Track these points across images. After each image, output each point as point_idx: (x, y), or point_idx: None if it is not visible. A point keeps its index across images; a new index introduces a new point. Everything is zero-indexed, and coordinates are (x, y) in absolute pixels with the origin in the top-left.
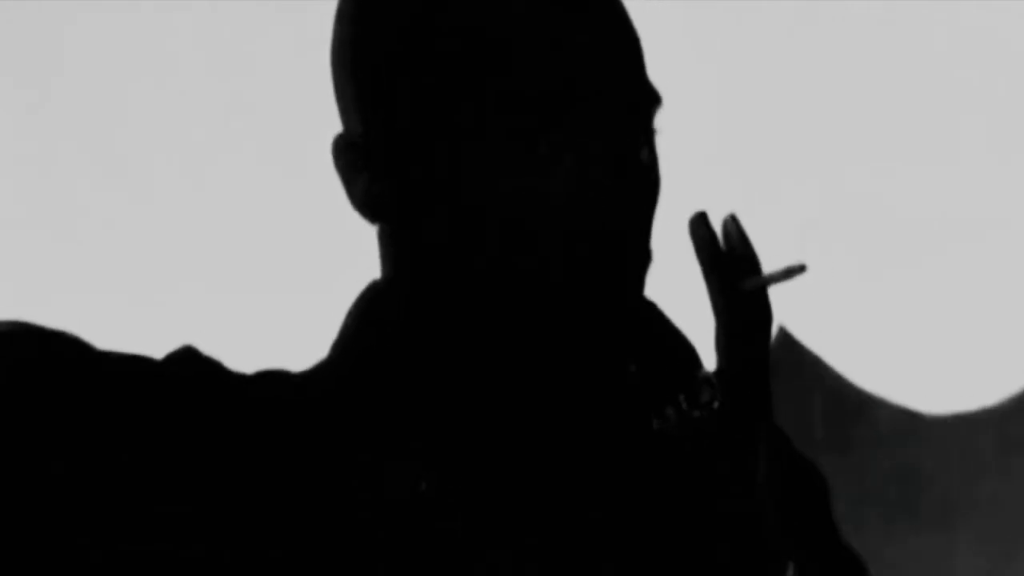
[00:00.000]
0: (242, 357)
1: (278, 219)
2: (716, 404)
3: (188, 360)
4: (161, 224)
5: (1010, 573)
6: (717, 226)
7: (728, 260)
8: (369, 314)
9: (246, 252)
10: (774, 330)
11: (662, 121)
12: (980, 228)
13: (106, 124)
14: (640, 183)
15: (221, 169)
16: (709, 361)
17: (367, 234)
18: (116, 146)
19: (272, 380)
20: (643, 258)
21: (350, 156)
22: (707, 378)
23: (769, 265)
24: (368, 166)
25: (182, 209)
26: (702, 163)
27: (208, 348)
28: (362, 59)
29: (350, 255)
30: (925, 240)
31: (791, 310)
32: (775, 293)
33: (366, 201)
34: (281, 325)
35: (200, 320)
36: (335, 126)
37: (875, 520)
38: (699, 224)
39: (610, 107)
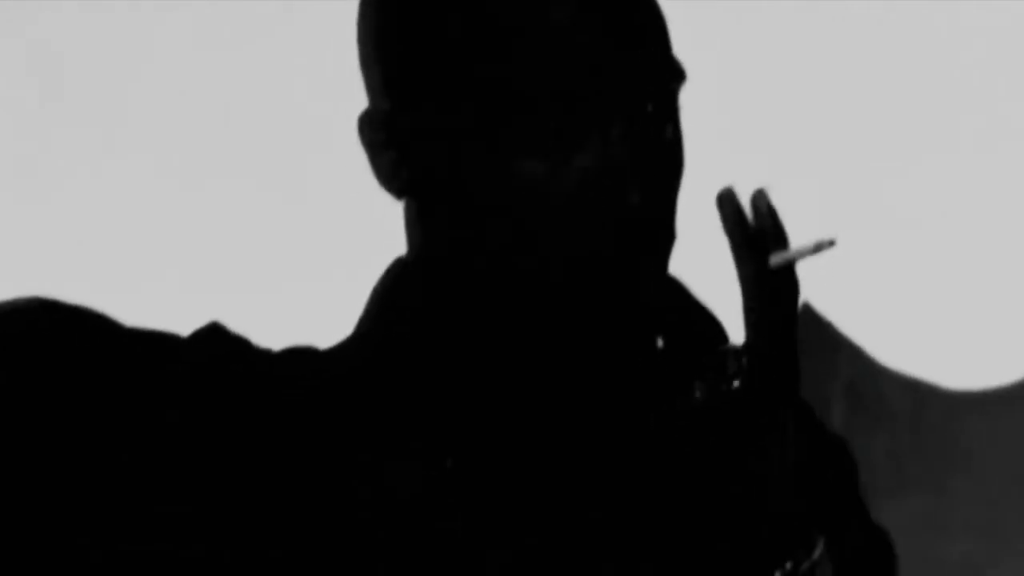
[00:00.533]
0: (268, 336)
1: (283, 211)
2: (743, 377)
3: (214, 337)
4: (162, 220)
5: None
6: (745, 202)
7: (756, 235)
8: (392, 294)
9: (263, 241)
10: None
11: (686, 97)
12: (1005, 206)
13: (105, 121)
14: (663, 162)
15: (223, 164)
16: (736, 337)
17: (385, 218)
18: (116, 142)
19: (298, 359)
20: (668, 236)
21: (376, 133)
22: (734, 351)
23: (797, 240)
24: (394, 144)
25: (183, 206)
26: (712, 150)
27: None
28: (389, 39)
29: (367, 241)
30: (950, 217)
31: (816, 286)
32: (801, 268)
33: (393, 179)
34: (295, 316)
35: (212, 312)
36: (339, 120)
37: (897, 494)
38: (727, 198)
39: (631, 86)
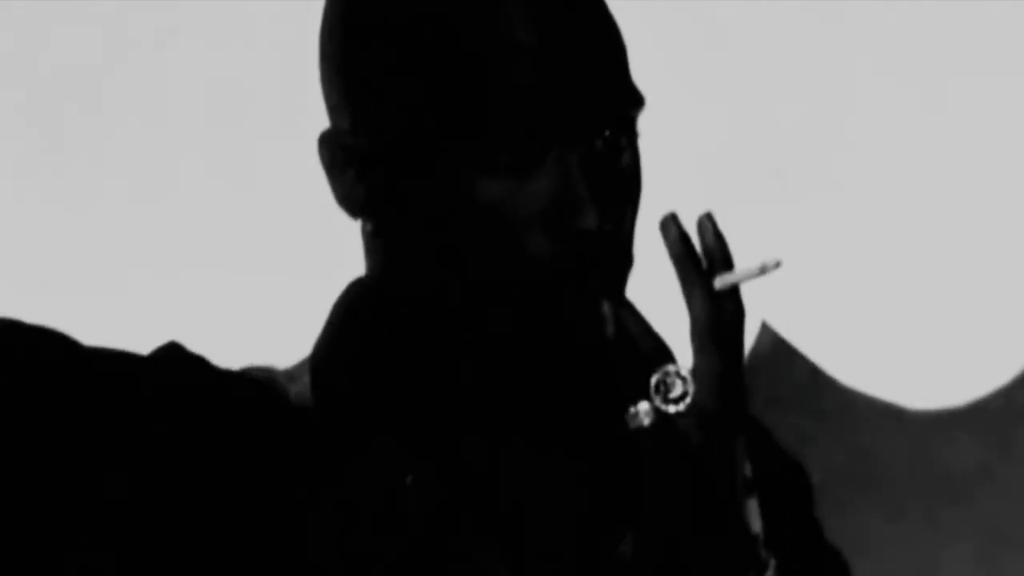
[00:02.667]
0: (228, 350)
1: (262, 212)
2: (689, 399)
3: (173, 357)
4: (150, 217)
5: (996, 572)
6: (691, 226)
7: (701, 258)
8: (353, 313)
9: (232, 244)
10: (757, 326)
11: (644, 123)
12: (969, 222)
13: (97, 118)
14: (621, 187)
15: (206, 166)
16: (685, 360)
17: (351, 230)
18: (103, 141)
19: (257, 378)
20: (624, 261)
21: (336, 152)
22: (679, 373)
23: (744, 262)
24: (353, 163)
25: (172, 205)
26: (678, 162)
27: (192, 340)
28: (350, 59)
29: (334, 249)
30: (911, 235)
31: (775, 306)
32: (758, 288)
33: (350, 198)
34: (266, 316)
35: (187, 310)
36: (317, 123)
37: (858, 516)
38: (670, 224)
39: (591, 111)
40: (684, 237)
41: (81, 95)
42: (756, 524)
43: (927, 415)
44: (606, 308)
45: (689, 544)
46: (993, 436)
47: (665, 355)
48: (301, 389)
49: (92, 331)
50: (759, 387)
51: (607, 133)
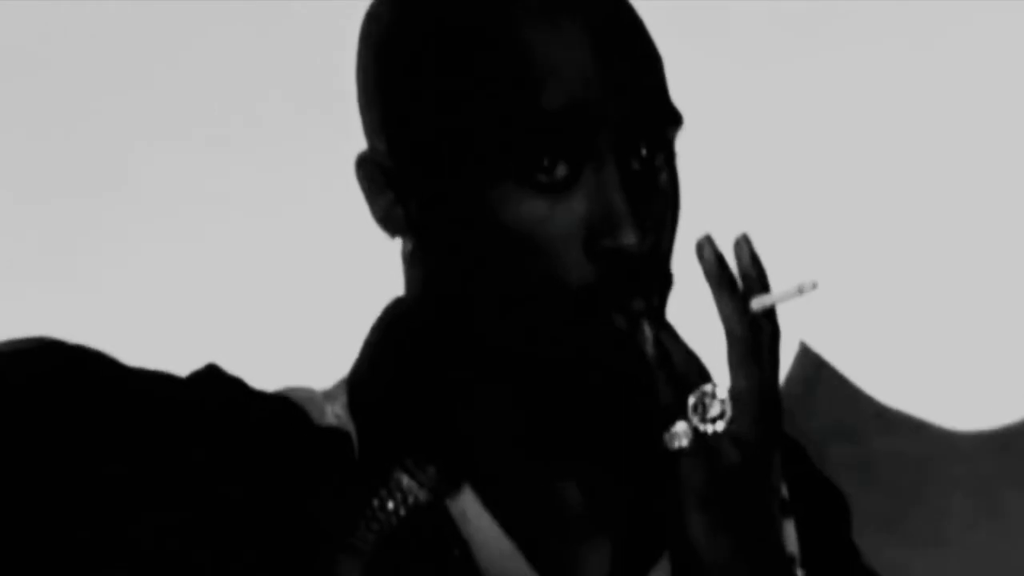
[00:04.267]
0: (267, 371)
1: (288, 230)
2: (726, 419)
3: (211, 379)
4: (169, 235)
5: None
6: (727, 246)
7: (738, 280)
8: (391, 333)
9: (261, 262)
10: (795, 346)
11: (683, 142)
12: (1006, 237)
13: (99, 129)
14: (659, 205)
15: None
16: (722, 380)
17: (390, 249)
18: (111, 157)
19: (293, 399)
20: (664, 280)
21: (373, 173)
22: (716, 393)
23: (781, 283)
24: (391, 184)
25: (187, 221)
26: (715, 177)
27: (231, 361)
28: (385, 81)
29: (375, 268)
30: (948, 251)
31: (813, 326)
32: (794, 307)
33: (389, 219)
34: (293, 355)
35: (216, 334)
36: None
37: (896, 539)
38: (706, 246)
39: (628, 129)
40: (720, 259)
41: (109, 105)
42: (791, 545)
43: (965, 436)
44: (646, 328)
45: (725, 565)
46: None
47: (702, 376)
48: (339, 410)
49: (131, 352)
50: (796, 407)
51: (643, 152)
